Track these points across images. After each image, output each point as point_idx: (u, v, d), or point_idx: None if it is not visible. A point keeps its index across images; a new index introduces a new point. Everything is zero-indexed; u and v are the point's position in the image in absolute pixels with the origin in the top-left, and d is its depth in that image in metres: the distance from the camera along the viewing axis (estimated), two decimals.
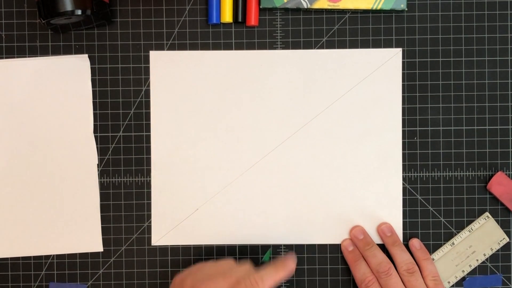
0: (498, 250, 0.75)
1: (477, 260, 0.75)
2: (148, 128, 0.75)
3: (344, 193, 0.75)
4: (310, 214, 0.75)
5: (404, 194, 0.75)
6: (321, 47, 0.75)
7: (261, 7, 0.74)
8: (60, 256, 0.75)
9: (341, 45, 0.75)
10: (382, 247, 0.74)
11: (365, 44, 0.75)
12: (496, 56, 0.75)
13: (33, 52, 0.75)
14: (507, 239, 0.75)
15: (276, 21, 0.75)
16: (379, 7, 0.73)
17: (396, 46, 0.75)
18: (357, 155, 0.75)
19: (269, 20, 0.75)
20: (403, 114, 0.75)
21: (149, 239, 0.75)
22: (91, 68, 0.75)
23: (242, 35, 0.75)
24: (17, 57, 0.75)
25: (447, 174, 0.75)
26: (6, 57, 0.75)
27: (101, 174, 0.75)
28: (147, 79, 0.75)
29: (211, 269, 0.67)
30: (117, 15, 0.75)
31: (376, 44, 0.75)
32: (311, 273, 0.75)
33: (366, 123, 0.75)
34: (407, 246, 0.74)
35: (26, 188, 0.74)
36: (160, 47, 0.75)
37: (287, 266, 0.67)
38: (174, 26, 0.75)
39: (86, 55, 0.75)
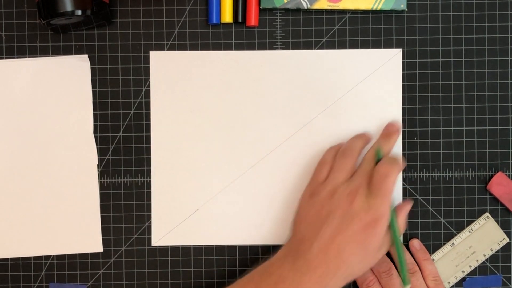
0: (498, 251, 0.75)
1: (477, 260, 0.75)
2: (148, 128, 0.75)
3: None
4: None
5: (404, 194, 0.75)
6: (321, 47, 0.75)
7: (261, 7, 0.74)
8: (60, 257, 0.75)
9: (341, 45, 0.75)
10: None
11: (365, 45, 0.75)
12: (496, 56, 0.75)
13: (33, 52, 0.75)
14: (507, 240, 0.75)
15: (276, 21, 0.75)
16: (379, 8, 0.73)
17: (396, 47, 0.75)
18: None
19: (269, 20, 0.75)
20: (403, 115, 0.75)
21: (149, 239, 0.75)
22: (91, 68, 0.75)
23: (242, 36, 0.75)
24: (17, 57, 0.75)
25: (447, 174, 0.75)
26: (6, 57, 0.75)
27: (101, 174, 0.75)
28: (147, 80, 0.75)
29: None
30: (117, 15, 0.75)
31: (376, 45, 0.75)
32: None
33: (366, 123, 0.75)
34: (407, 247, 0.74)
35: (26, 188, 0.74)
36: (160, 48, 0.75)
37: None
38: (174, 26, 0.75)
39: (86, 55, 0.75)
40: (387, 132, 0.72)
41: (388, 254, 0.73)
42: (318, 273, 0.64)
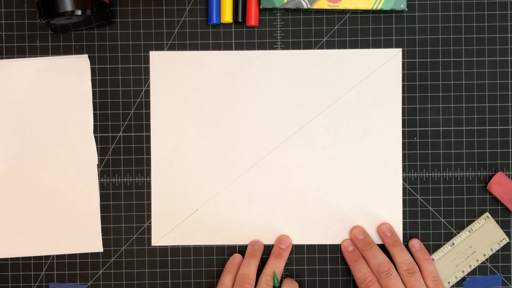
0: (498, 251, 0.75)
1: (477, 260, 0.75)
2: (148, 128, 0.75)
3: (344, 193, 0.75)
4: (310, 214, 0.75)
5: (404, 194, 0.75)
6: (321, 47, 0.75)
7: (261, 7, 0.74)
8: (60, 256, 0.75)
9: (341, 45, 0.75)
10: (382, 247, 0.74)
11: (365, 44, 0.75)
12: (496, 56, 0.75)
13: (33, 52, 0.75)
14: (507, 240, 0.75)
15: (276, 21, 0.75)
16: (379, 7, 0.73)
17: (396, 46, 0.75)
18: (357, 155, 0.75)
19: (269, 20, 0.75)
20: (403, 114, 0.75)
21: (149, 239, 0.75)
22: (91, 68, 0.75)
23: (242, 35, 0.75)
24: (17, 57, 0.75)
25: (447, 174, 0.75)
26: (6, 57, 0.75)
27: (101, 174, 0.75)
28: (147, 80, 0.75)
29: None
30: (117, 15, 0.75)
31: (376, 44, 0.75)
32: (311, 273, 0.75)
33: (366, 123, 0.75)
34: (407, 246, 0.74)
35: (26, 188, 0.74)
36: (160, 48, 0.75)
37: None
38: (174, 26, 0.75)
39: (86, 55, 0.75)
40: (278, 253, 0.74)
41: (388, 254, 0.74)
42: None
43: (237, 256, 0.74)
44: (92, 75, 0.75)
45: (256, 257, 0.74)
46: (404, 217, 0.75)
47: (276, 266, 0.73)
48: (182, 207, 0.75)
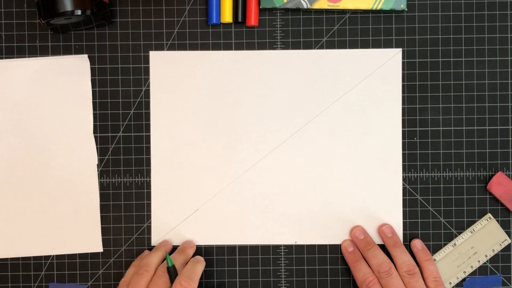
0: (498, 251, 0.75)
1: (479, 261, 0.74)
2: (148, 128, 0.75)
3: (344, 193, 0.75)
4: (310, 214, 0.75)
5: (404, 194, 0.75)
6: (321, 47, 0.75)
7: (261, 7, 0.74)
8: (60, 257, 0.75)
9: (341, 45, 0.75)
10: (382, 247, 0.74)
11: (365, 44, 0.75)
12: (496, 56, 0.75)
13: (33, 52, 0.75)
14: (509, 241, 0.75)
15: (276, 21, 0.75)
16: (379, 7, 0.73)
17: (396, 46, 0.75)
18: (357, 155, 0.75)
19: (269, 20, 0.75)
20: (403, 114, 0.75)
21: (149, 239, 0.75)
22: (91, 68, 0.75)
23: (242, 35, 0.75)
24: (17, 57, 0.75)
25: (447, 174, 0.75)
26: (6, 57, 0.75)
27: (101, 174, 0.75)
28: (147, 79, 0.75)
29: None
30: (117, 15, 0.75)
31: (376, 44, 0.75)
32: (311, 273, 0.75)
33: (366, 123, 0.75)
34: (407, 247, 0.74)
35: (26, 188, 0.74)
36: (160, 47, 0.75)
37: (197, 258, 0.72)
38: (174, 26, 0.75)
39: (86, 55, 0.75)
40: (182, 248, 0.73)
41: (388, 254, 0.73)
42: None
43: (146, 252, 0.74)
44: (92, 75, 0.75)
45: (161, 251, 0.72)
46: (404, 217, 0.75)
47: (177, 258, 0.72)
48: (182, 207, 0.75)
